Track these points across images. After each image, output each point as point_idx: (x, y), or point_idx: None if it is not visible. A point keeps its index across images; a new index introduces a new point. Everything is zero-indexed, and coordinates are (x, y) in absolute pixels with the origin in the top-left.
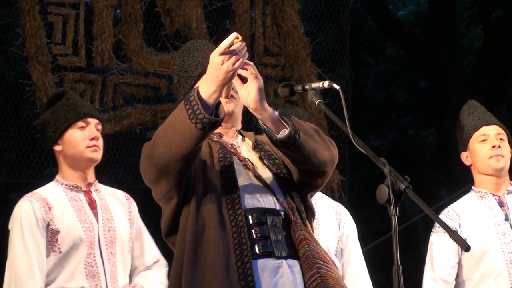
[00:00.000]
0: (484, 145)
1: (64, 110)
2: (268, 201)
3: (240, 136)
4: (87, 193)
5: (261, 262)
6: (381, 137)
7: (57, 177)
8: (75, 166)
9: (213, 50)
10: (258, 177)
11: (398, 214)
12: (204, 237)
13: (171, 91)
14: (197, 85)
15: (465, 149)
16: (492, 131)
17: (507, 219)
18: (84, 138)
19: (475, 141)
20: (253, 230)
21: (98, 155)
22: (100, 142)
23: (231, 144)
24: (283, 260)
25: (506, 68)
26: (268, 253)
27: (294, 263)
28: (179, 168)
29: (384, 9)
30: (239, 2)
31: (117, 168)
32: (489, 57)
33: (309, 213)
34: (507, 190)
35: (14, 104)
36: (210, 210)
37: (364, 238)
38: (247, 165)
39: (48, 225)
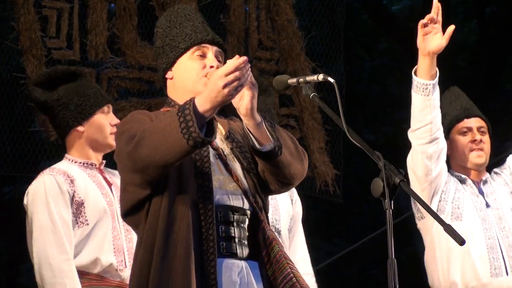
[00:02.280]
0: (465, 138)
1: (91, 92)
2: (236, 199)
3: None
4: (101, 171)
5: (224, 262)
6: (376, 132)
7: (68, 156)
8: (94, 148)
9: (201, 21)
10: (229, 170)
11: (392, 207)
12: (175, 227)
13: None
14: (194, 97)
15: (445, 138)
16: (475, 124)
17: (488, 206)
18: (108, 123)
19: (456, 132)
20: (219, 228)
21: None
22: None
23: None
24: (244, 261)
25: (500, 62)
26: (231, 254)
27: (254, 265)
28: (159, 173)
29: (379, 3)
30: None
31: (111, 161)
32: (484, 52)
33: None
34: (483, 180)
35: (8, 97)
36: (183, 200)
37: (359, 232)
38: (220, 155)
39: (72, 197)
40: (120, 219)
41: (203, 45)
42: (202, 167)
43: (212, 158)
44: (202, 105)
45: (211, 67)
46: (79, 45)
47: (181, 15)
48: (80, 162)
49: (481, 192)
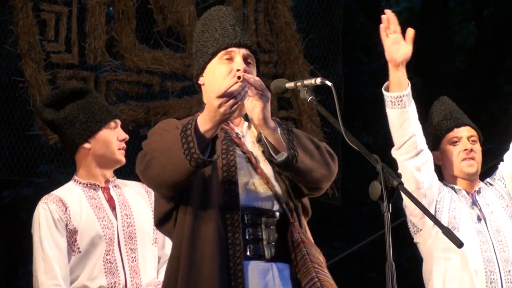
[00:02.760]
0: (456, 147)
1: (96, 109)
2: (266, 201)
3: (246, 124)
4: (106, 190)
5: (251, 264)
6: (374, 134)
7: (75, 177)
8: (102, 164)
9: (232, 23)
10: (260, 173)
11: (390, 211)
12: (202, 233)
13: (163, 88)
14: (196, 116)
15: (436, 148)
16: (465, 133)
17: (479, 219)
18: (115, 139)
19: (446, 142)
20: (246, 231)
21: (124, 158)
22: None
23: (236, 133)
24: (273, 263)
25: (499, 64)
26: (258, 256)
27: (285, 266)
28: (173, 191)
29: (377, 5)
30: None
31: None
32: (482, 54)
33: (304, 211)
34: (476, 190)
35: (7, 101)
36: (209, 205)
37: (358, 234)
38: (250, 158)
39: (66, 225)
40: (122, 240)
41: (231, 49)
42: (228, 171)
43: (241, 162)
44: (203, 125)
45: (238, 70)
46: (78, 49)
47: (215, 18)
48: (84, 183)
49: (474, 203)
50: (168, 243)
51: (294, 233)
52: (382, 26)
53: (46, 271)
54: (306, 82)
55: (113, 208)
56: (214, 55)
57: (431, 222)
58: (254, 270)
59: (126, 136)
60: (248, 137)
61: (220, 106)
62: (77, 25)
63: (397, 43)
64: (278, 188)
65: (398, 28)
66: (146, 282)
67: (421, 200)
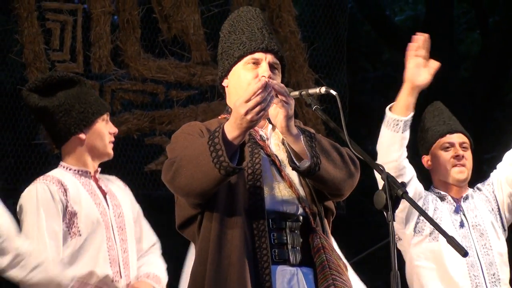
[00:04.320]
0: (448, 153)
1: (92, 100)
2: (290, 205)
3: (270, 126)
4: (95, 179)
5: (277, 268)
6: None
7: (63, 163)
8: (93, 156)
9: (260, 26)
10: (284, 176)
11: (395, 220)
12: (228, 237)
13: (168, 97)
14: (223, 124)
15: (426, 153)
16: (457, 140)
17: (462, 225)
18: (107, 132)
19: (438, 148)
20: (271, 235)
21: (112, 151)
22: None
23: (260, 136)
24: (298, 268)
25: (503, 73)
26: (283, 260)
27: (309, 271)
28: (201, 199)
29: (382, 14)
30: (236, 8)
31: (114, 174)
32: (487, 62)
33: (329, 212)
34: (463, 196)
35: (12, 110)
36: (235, 210)
37: (362, 243)
38: (274, 161)
39: (66, 207)
40: (116, 229)
41: (257, 53)
42: (253, 174)
43: (265, 165)
44: (230, 132)
45: (263, 76)
46: (83, 58)
47: (243, 19)
48: (75, 170)
49: (458, 210)
50: (146, 238)
51: (315, 238)
52: (412, 45)
53: (40, 251)
54: (311, 91)
55: (104, 196)
56: (240, 58)
57: (410, 233)
58: (280, 274)
59: (116, 130)
60: (272, 139)
61: (247, 113)
62: (82, 34)
63: (420, 67)
64: (302, 192)
65: (426, 54)
66: (134, 275)
67: (403, 214)
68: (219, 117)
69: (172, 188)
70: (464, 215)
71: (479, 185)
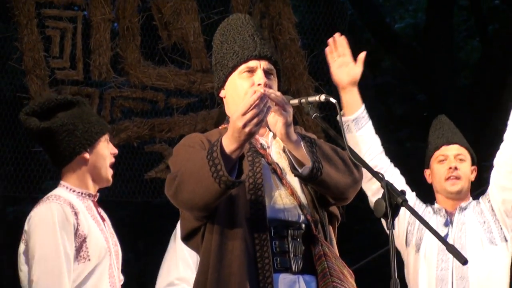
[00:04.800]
0: (442, 166)
1: (93, 119)
2: (292, 213)
3: (271, 134)
4: (95, 204)
5: (279, 276)
6: None
7: (65, 183)
8: (95, 179)
9: (251, 33)
10: (285, 184)
11: (395, 227)
12: (229, 246)
13: (168, 105)
14: (221, 138)
15: (427, 166)
16: (452, 151)
17: (445, 237)
18: (109, 154)
19: (434, 161)
20: (273, 243)
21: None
22: None
23: (261, 144)
24: (300, 276)
25: (503, 80)
26: (285, 268)
27: (311, 278)
28: (205, 212)
29: (382, 22)
30: None
31: (114, 182)
32: (487, 70)
33: (334, 219)
34: (460, 207)
35: (11, 118)
36: (236, 219)
37: (362, 251)
38: (275, 170)
39: (77, 231)
40: (114, 257)
41: (251, 61)
42: (255, 183)
43: (266, 173)
44: (228, 145)
45: (259, 84)
46: (83, 65)
47: (233, 27)
48: (79, 192)
49: (448, 224)
50: None
51: (317, 245)
52: (327, 49)
53: (59, 275)
54: (311, 99)
55: (103, 222)
56: (234, 68)
57: (402, 244)
58: (282, 282)
59: (117, 151)
60: (273, 147)
61: (245, 126)
62: (82, 41)
63: (344, 66)
64: (303, 199)
65: (346, 51)
66: None
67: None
68: (220, 128)
69: (175, 203)
70: (452, 228)
71: (481, 197)
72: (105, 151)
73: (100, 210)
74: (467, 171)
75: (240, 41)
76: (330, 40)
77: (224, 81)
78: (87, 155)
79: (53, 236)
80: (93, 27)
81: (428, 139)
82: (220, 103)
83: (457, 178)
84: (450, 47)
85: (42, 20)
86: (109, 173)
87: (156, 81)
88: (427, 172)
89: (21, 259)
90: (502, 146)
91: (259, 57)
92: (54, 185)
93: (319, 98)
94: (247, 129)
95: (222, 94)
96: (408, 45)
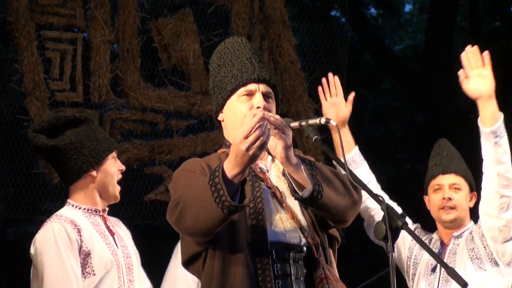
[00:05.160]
0: (437, 195)
1: (101, 137)
2: (293, 236)
3: (269, 158)
4: (104, 219)
5: None
6: (378, 172)
7: (72, 201)
8: (103, 196)
9: (249, 56)
10: (286, 207)
11: (395, 250)
12: (231, 271)
13: (168, 126)
14: (222, 164)
15: (426, 193)
16: (447, 181)
17: (433, 270)
18: (117, 171)
19: (431, 189)
20: (275, 266)
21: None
22: None
23: (260, 168)
24: None
25: (502, 102)
26: None
27: None
28: (207, 237)
29: (381, 43)
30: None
31: (114, 204)
32: None
33: (334, 241)
34: (453, 236)
35: (11, 139)
36: (237, 243)
37: (362, 273)
38: (275, 193)
39: (80, 247)
40: (124, 270)
41: (249, 85)
42: (255, 208)
43: (266, 197)
44: (230, 170)
45: (258, 107)
46: (82, 87)
47: (230, 51)
48: (85, 208)
49: (440, 254)
50: (143, 281)
51: (318, 268)
52: (320, 88)
53: None
54: (311, 121)
55: (112, 236)
56: (233, 91)
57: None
58: None
59: (124, 167)
60: (272, 171)
61: (248, 149)
62: (81, 63)
63: (335, 106)
64: (304, 222)
65: (339, 91)
66: None
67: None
68: (219, 152)
69: (178, 229)
70: (444, 257)
71: (476, 224)
72: (113, 168)
73: (111, 224)
74: (462, 200)
75: (238, 64)
76: (323, 80)
77: (223, 105)
78: (94, 173)
79: (58, 256)
80: (93, 49)
81: (428, 164)
82: (218, 126)
83: (452, 208)
84: (450, 69)
85: (42, 42)
86: (116, 190)
87: (156, 103)
88: (426, 199)
89: (33, 284)
90: (483, 172)
91: (257, 81)
92: (54, 206)
93: (320, 120)
94: (250, 152)
95: (220, 117)
96: (407, 67)
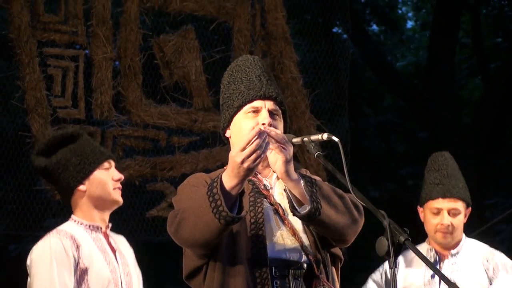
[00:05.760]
0: (435, 219)
1: (88, 151)
2: (293, 253)
3: (274, 175)
4: (106, 235)
5: None
6: (380, 188)
7: (74, 217)
8: (99, 206)
9: (258, 74)
10: (287, 225)
11: (397, 266)
12: (231, 285)
13: (170, 143)
14: (221, 175)
15: (421, 205)
16: (447, 206)
17: (433, 276)
18: (110, 179)
19: (428, 208)
20: (274, 283)
21: (121, 198)
22: None
23: (264, 185)
24: None
25: (505, 118)
26: None
27: None
28: (206, 249)
29: (383, 60)
30: (238, 54)
31: (116, 220)
32: (488, 108)
33: (336, 259)
34: (451, 254)
35: (13, 156)
36: (237, 259)
37: None
38: (277, 210)
39: (77, 264)
40: (124, 286)
41: (256, 101)
42: (256, 222)
43: (269, 214)
44: (228, 182)
45: (263, 124)
46: (84, 104)
47: (242, 68)
48: (86, 225)
49: (437, 263)
50: None
51: (318, 286)
52: None
53: None
54: (313, 137)
55: (114, 253)
56: (239, 108)
57: None
58: None
59: (121, 176)
60: (276, 188)
61: (243, 161)
62: (83, 80)
63: None
64: (305, 240)
65: None
66: None
67: None
68: (224, 168)
69: (176, 240)
70: (442, 267)
71: (483, 256)
72: (103, 177)
73: (113, 241)
74: (460, 224)
75: (246, 81)
76: None
77: (230, 121)
78: (83, 187)
79: (49, 270)
80: (94, 66)
81: (425, 175)
82: (226, 143)
83: (449, 233)
84: (452, 85)
85: (44, 59)
86: (114, 194)
87: (158, 120)
88: (420, 209)
89: None
90: None
91: (264, 97)
92: (56, 222)
93: (322, 136)
94: (245, 165)
95: (227, 134)
96: (409, 83)
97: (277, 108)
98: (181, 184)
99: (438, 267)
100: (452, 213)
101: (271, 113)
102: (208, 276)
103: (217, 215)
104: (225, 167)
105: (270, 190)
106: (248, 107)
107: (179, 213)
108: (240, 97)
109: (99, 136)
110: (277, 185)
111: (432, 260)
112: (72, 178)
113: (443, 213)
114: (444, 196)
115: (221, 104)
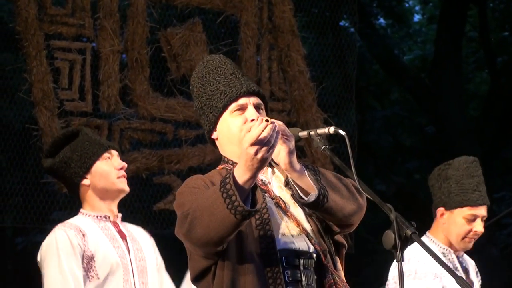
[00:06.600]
0: (469, 226)
1: (87, 145)
2: (301, 243)
3: (269, 169)
4: (115, 224)
5: None
6: (387, 182)
7: (83, 210)
8: (105, 197)
9: (232, 72)
10: (290, 216)
11: (404, 260)
12: (242, 280)
13: (177, 136)
14: (232, 170)
15: (445, 207)
16: (482, 213)
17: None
18: (112, 169)
19: (461, 214)
20: (285, 273)
21: (127, 185)
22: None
23: (262, 180)
24: None
25: None
26: None
27: None
28: (218, 247)
29: (390, 53)
30: (245, 47)
31: (123, 213)
32: (495, 102)
33: (340, 247)
34: (461, 255)
35: (20, 149)
36: (246, 255)
37: (371, 282)
38: (279, 204)
39: (83, 252)
40: (136, 272)
41: (241, 99)
42: (262, 219)
43: (271, 207)
44: (241, 176)
45: (252, 120)
46: (91, 97)
47: (211, 69)
48: (94, 215)
49: (459, 262)
50: None
51: (327, 274)
52: None
53: None
54: (320, 131)
55: (124, 241)
56: (225, 108)
57: None
58: None
59: (123, 164)
60: (274, 182)
61: (257, 153)
62: (90, 73)
63: None
64: (309, 230)
65: None
66: None
67: None
68: (218, 168)
69: (189, 240)
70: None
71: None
72: (104, 168)
73: (124, 228)
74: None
75: (223, 80)
76: None
77: (215, 123)
78: (86, 181)
79: (58, 263)
80: (102, 59)
81: (457, 179)
82: (211, 145)
83: (476, 239)
84: (459, 79)
85: (51, 52)
86: (118, 183)
87: (165, 113)
88: (440, 211)
89: None
90: None
91: (247, 94)
92: (63, 215)
93: (328, 130)
94: (259, 156)
95: (214, 135)
96: (416, 77)
97: (260, 101)
98: (179, 188)
99: (460, 267)
100: (483, 219)
101: (256, 108)
102: (217, 276)
103: (232, 210)
104: (219, 167)
105: (269, 185)
106: (233, 106)
107: (190, 213)
108: (223, 97)
109: (106, 129)
110: (274, 179)
111: (456, 265)
112: (75, 174)
113: (478, 220)
114: (482, 203)
115: (199, 107)
